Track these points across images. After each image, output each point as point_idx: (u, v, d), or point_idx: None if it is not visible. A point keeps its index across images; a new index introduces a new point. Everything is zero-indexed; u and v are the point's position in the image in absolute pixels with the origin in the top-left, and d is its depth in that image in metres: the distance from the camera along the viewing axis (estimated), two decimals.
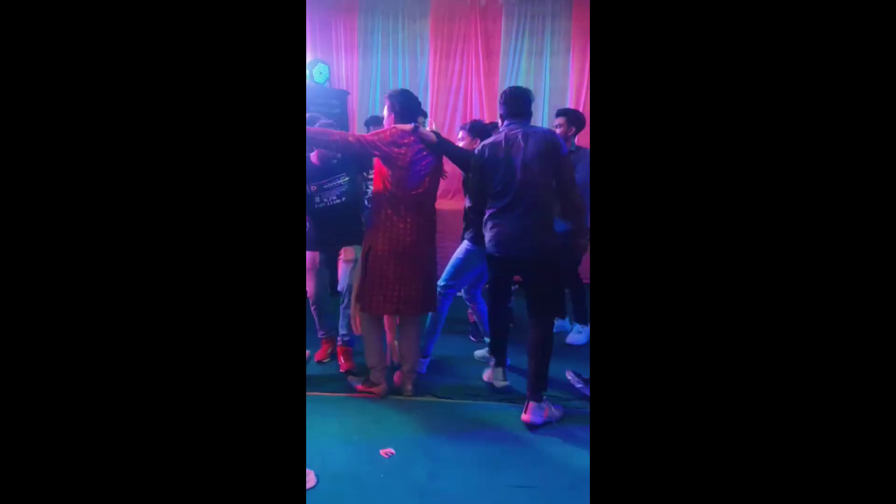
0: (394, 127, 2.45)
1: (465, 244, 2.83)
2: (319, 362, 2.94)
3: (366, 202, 3.22)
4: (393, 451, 2.05)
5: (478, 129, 2.94)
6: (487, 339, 3.02)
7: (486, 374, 2.71)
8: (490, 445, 2.15)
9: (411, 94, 2.60)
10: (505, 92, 2.49)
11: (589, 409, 2.26)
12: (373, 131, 2.58)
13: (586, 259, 2.95)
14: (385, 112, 2.55)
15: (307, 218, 2.84)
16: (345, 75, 5.41)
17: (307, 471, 1.88)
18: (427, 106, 5.42)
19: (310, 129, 2.38)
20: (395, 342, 2.79)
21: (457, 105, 5.47)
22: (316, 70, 4.88)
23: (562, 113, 3.24)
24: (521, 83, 5.48)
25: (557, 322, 3.68)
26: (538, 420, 2.29)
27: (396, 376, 2.63)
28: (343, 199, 2.83)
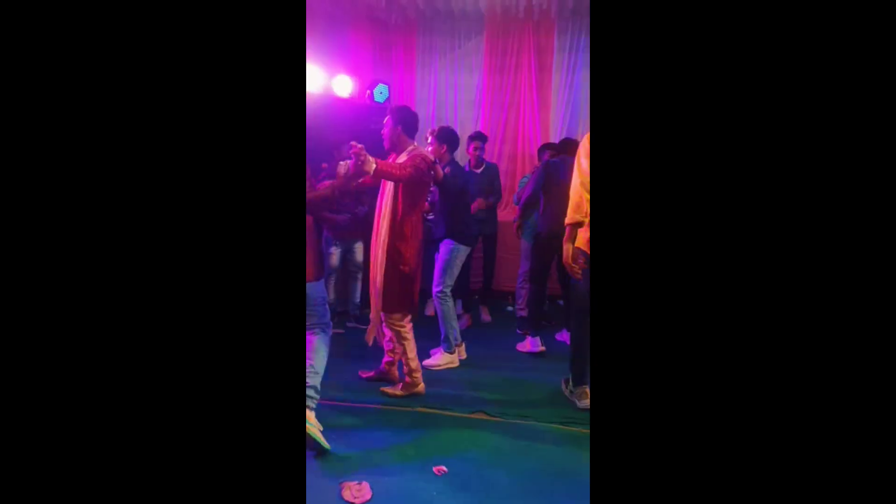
0: (423, 154, 2.90)
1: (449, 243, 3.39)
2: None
3: None
4: (445, 468, 2.25)
5: (446, 136, 3.36)
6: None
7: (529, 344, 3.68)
8: (542, 469, 2.28)
9: (412, 111, 3.06)
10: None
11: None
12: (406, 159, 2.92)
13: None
14: (388, 124, 2.97)
15: None
16: (403, 94, 5.65)
17: (363, 483, 2.09)
18: (479, 121, 5.60)
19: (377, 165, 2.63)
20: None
21: (508, 120, 5.61)
22: (376, 90, 5.13)
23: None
24: (574, 97, 5.57)
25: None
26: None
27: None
28: None
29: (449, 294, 3.44)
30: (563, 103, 5.59)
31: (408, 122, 2.97)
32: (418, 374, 3.00)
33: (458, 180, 3.32)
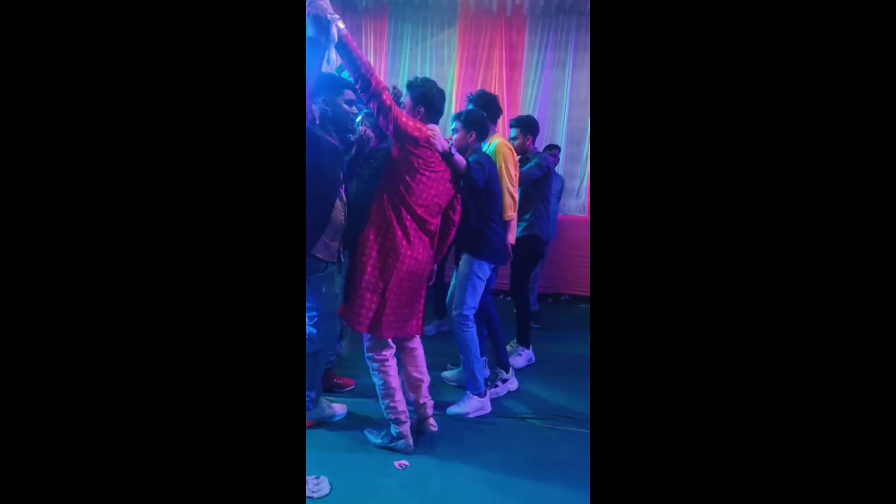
0: (422, 125, 2.24)
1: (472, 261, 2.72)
2: None
3: None
4: (407, 463, 2.21)
5: (472, 121, 2.66)
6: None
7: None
8: (503, 464, 2.26)
9: (439, 87, 2.35)
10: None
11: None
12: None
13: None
14: (406, 102, 2.31)
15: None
16: None
17: (321, 478, 2.03)
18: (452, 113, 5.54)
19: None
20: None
21: None
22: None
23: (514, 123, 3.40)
24: (542, 94, 5.59)
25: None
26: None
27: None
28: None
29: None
30: (533, 99, 5.61)
31: (431, 104, 2.31)
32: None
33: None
